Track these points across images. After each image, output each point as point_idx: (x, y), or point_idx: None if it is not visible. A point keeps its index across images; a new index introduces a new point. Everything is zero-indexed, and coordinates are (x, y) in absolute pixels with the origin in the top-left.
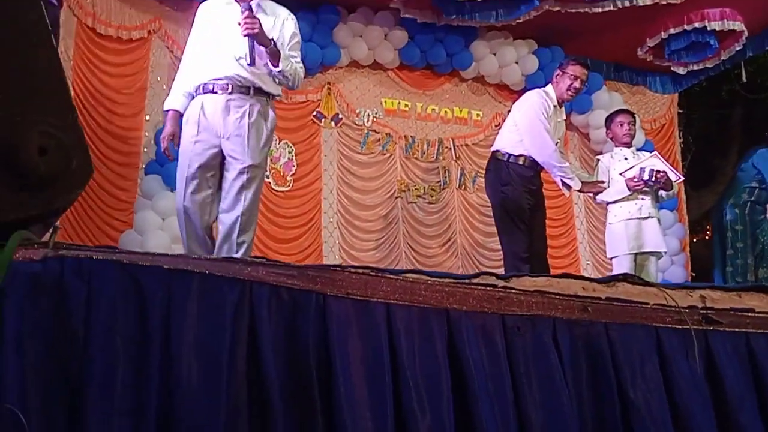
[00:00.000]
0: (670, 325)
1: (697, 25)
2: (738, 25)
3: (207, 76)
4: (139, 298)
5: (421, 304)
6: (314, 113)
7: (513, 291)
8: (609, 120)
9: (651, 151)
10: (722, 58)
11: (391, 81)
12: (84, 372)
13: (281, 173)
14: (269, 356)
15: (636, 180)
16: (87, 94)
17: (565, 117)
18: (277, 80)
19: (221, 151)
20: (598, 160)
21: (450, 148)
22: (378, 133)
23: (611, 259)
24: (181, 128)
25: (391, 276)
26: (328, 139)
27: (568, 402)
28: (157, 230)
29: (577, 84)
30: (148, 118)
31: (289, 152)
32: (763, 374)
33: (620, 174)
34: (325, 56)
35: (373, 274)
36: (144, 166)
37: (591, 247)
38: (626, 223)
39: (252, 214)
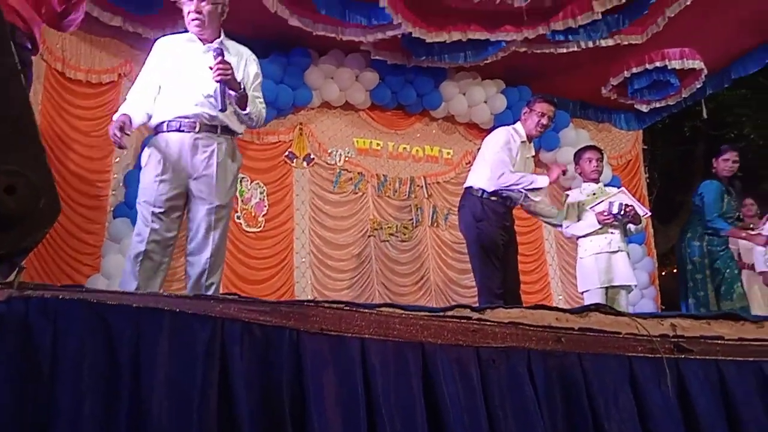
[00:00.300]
0: (642, 354)
1: (658, 64)
2: (697, 64)
3: (171, 114)
4: (107, 337)
5: (395, 338)
6: (286, 153)
7: (487, 323)
8: (578, 156)
9: (618, 187)
10: (683, 95)
11: (363, 121)
12: (51, 409)
13: (252, 214)
14: (241, 393)
15: (606, 214)
16: (55, 137)
17: (534, 153)
18: (241, 120)
19: (187, 192)
20: (567, 195)
21: (422, 186)
22: (350, 172)
23: (582, 293)
24: (144, 168)
25: (365, 310)
26: (300, 179)
27: None
28: None
29: (544, 120)
30: (117, 160)
31: (261, 193)
32: (733, 401)
33: (590, 208)
34: (296, 97)
35: (347, 308)
36: (112, 209)
37: (563, 281)
38: (596, 257)
39: (220, 255)
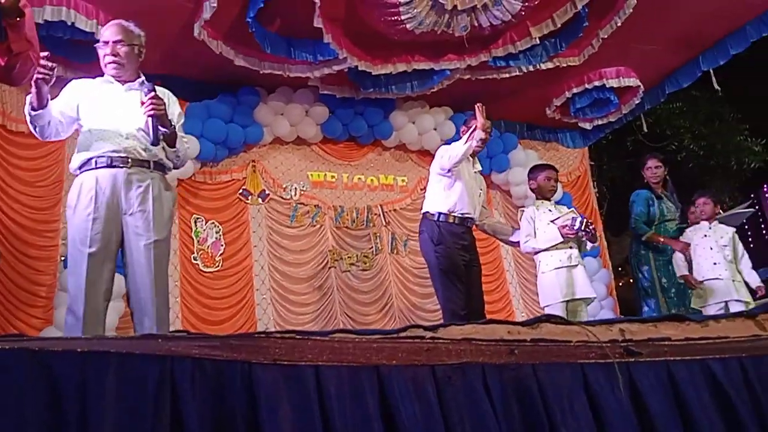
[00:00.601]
0: (594, 361)
1: (596, 83)
2: (633, 81)
3: (100, 149)
4: (51, 387)
5: (350, 363)
6: (240, 191)
7: (440, 341)
8: (535, 174)
9: (569, 204)
10: (623, 111)
11: (316, 154)
12: None
13: (209, 254)
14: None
15: (568, 228)
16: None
17: (480, 168)
18: (168, 158)
19: (122, 229)
20: (523, 210)
21: (379, 215)
22: (306, 205)
23: (544, 308)
24: (74, 208)
25: (318, 338)
26: (256, 216)
27: None
28: None
29: (484, 135)
30: (64, 209)
31: (217, 232)
32: (685, 400)
33: (551, 222)
34: (247, 135)
35: (299, 337)
36: (63, 259)
37: (523, 298)
38: (557, 271)
39: (164, 293)
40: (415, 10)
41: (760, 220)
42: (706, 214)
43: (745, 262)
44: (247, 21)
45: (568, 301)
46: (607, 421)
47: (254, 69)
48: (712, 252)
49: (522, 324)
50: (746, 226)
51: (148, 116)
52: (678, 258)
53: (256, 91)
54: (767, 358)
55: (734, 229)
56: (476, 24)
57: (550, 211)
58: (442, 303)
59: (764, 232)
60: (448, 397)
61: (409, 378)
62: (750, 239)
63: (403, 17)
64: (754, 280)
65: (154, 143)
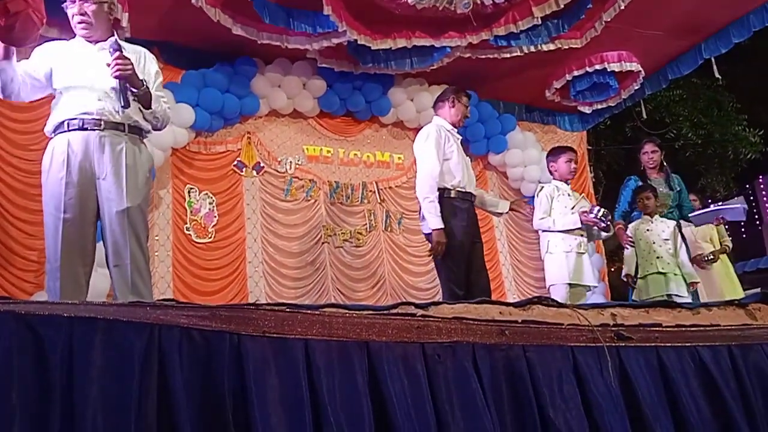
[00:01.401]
0: (584, 344)
1: (597, 67)
2: (635, 66)
3: (71, 112)
4: (38, 351)
5: (340, 338)
6: (235, 163)
7: (431, 319)
8: (556, 155)
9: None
10: (623, 96)
11: (312, 128)
12: None
13: (202, 225)
14: (182, 401)
15: (590, 216)
16: None
17: (460, 137)
18: (146, 119)
19: (96, 195)
20: (542, 187)
21: (374, 192)
22: (301, 179)
23: (550, 287)
24: (47, 173)
25: (308, 311)
26: (250, 188)
27: (490, 426)
28: None
29: (467, 113)
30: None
31: (210, 203)
32: (674, 386)
33: (572, 210)
34: (243, 106)
35: (289, 310)
36: None
37: (516, 280)
38: (567, 255)
39: (142, 263)
40: None
41: (754, 211)
42: (649, 208)
43: (683, 255)
44: None
45: (573, 285)
46: (595, 403)
47: (252, 39)
48: (654, 246)
49: (514, 305)
50: None
51: (115, 78)
52: (627, 255)
53: (254, 61)
54: (756, 346)
55: (675, 222)
56: (479, 1)
57: (568, 195)
58: (442, 282)
59: (758, 223)
60: (438, 375)
61: (399, 355)
62: (743, 230)
63: None
64: (690, 274)
65: (125, 106)
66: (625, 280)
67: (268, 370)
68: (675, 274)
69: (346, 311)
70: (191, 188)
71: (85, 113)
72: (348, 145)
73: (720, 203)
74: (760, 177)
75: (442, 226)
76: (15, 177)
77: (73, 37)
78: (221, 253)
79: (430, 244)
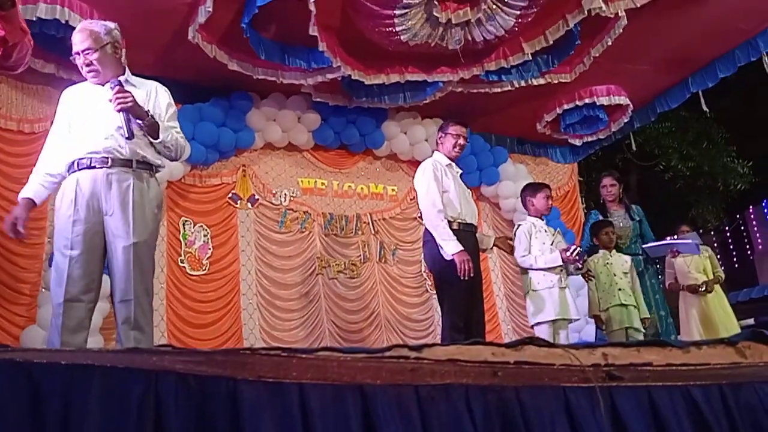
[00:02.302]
0: (576, 384)
1: (587, 100)
2: (623, 100)
3: (81, 152)
4: (35, 400)
5: (334, 382)
6: (230, 195)
7: (425, 361)
8: (532, 192)
9: (556, 219)
10: (612, 129)
11: (307, 161)
12: None
13: (196, 257)
14: None
15: (569, 254)
16: None
17: (460, 172)
18: (158, 151)
19: (104, 231)
20: (519, 225)
21: (368, 223)
22: (296, 211)
23: (533, 325)
24: (57, 211)
25: (303, 355)
26: (245, 220)
27: None
28: None
29: (461, 141)
30: (51, 207)
31: (205, 235)
32: (666, 426)
33: (551, 247)
34: (239, 140)
35: (284, 354)
36: (48, 257)
37: (510, 312)
38: (550, 291)
39: (146, 300)
40: (410, 22)
41: (745, 241)
42: (608, 242)
43: (638, 290)
44: (242, 26)
45: (556, 320)
46: None
47: (248, 74)
48: (615, 278)
49: (506, 345)
50: (731, 247)
51: (117, 111)
52: (590, 296)
53: (249, 96)
54: (747, 385)
55: (631, 258)
56: (470, 38)
57: (545, 231)
58: (444, 312)
59: (749, 252)
60: (432, 417)
61: (393, 397)
62: (735, 260)
63: (397, 28)
64: (644, 310)
65: (129, 137)
66: (593, 320)
67: (263, 414)
68: (634, 307)
69: (341, 354)
70: (186, 221)
71: (92, 152)
72: (342, 177)
73: (675, 237)
74: (750, 207)
75: (461, 248)
76: (8, 210)
77: (63, 75)
78: (215, 285)
79: (432, 274)
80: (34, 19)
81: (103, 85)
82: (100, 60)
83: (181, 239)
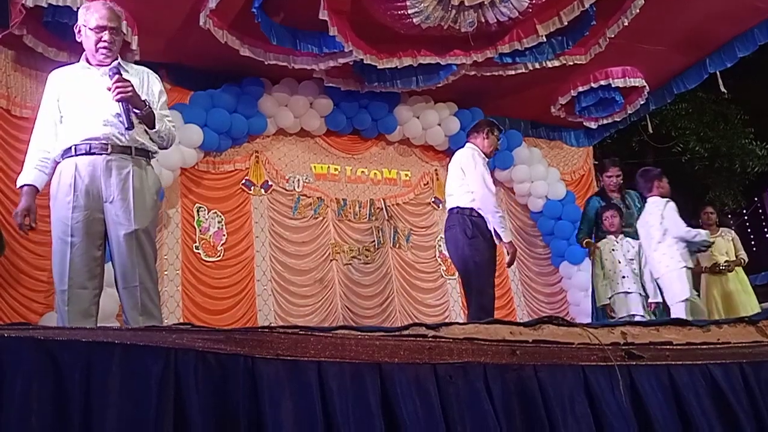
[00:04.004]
0: (595, 363)
1: (602, 82)
2: (639, 81)
3: (77, 137)
4: (56, 376)
5: (352, 360)
6: (243, 181)
7: (443, 340)
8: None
9: (573, 201)
10: (628, 111)
11: (320, 147)
12: None
13: (211, 243)
14: (197, 425)
15: None
16: (2, 174)
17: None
18: (152, 140)
19: (104, 218)
20: (667, 202)
21: (382, 208)
22: (309, 197)
23: (675, 303)
24: (55, 197)
25: (321, 333)
26: (258, 206)
27: None
28: None
29: (498, 145)
30: None
31: (219, 222)
32: (685, 404)
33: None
34: (251, 126)
35: (302, 332)
36: None
37: (525, 296)
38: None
39: (151, 284)
40: (422, 5)
41: (763, 223)
42: (614, 227)
43: (646, 275)
44: (253, 11)
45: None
46: (607, 423)
47: (259, 60)
48: (620, 265)
49: (524, 324)
50: (749, 230)
51: (117, 101)
52: (599, 286)
53: (261, 81)
54: (767, 363)
55: (639, 242)
56: (483, 20)
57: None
58: (473, 295)
59: (767, 235)
60: (450, 395)
61: (411, 376)
62: (753, 243)
63: (409, 11)
64: (651, 293)
65: (129, 127)
66: (604, 309)
67: (281, 392)
68: (640, 294)
69: (359, 333)
70: (200, 207)
71: (91, 138)
72: (355, 162)
73: (700, 220)
74: None
75: (508, 239)
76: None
77: (76, 62)
78: (230, 272)
79: (459, 257)
80: (45, 5)
81: (96, 68)
82: (117, 43)
83: (196, 226)
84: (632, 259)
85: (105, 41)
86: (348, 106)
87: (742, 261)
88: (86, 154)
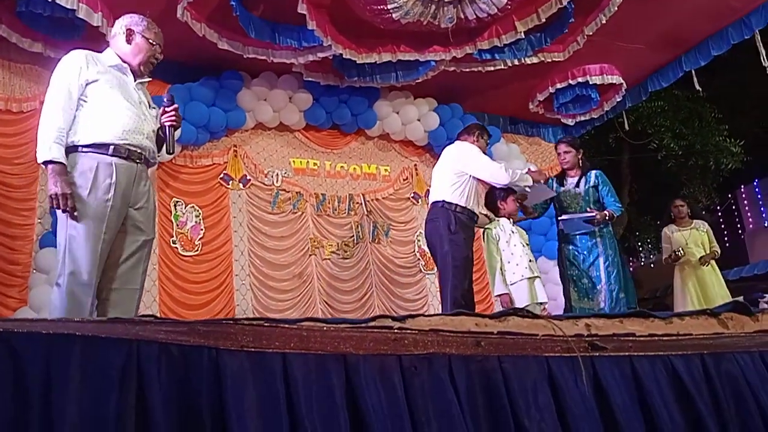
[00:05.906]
0: (559, 354)
1: (580, 79)
2: (616, 79)
3: (116, 138)
4: (16, 369)
5: (317, 351)
6: (221, 176)
7: (408, 331)
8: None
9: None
10: (605, 108)
11: (299, 141)
12: None
13: (189, 238)
14: (160, 417)
15: None
16: None
17: None
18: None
19: (124, 222)
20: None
21: (361, 203)
22: (288, 192)
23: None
24: (88, 189)
25: (286, 325)
26: (237, 201)
27: None
28: None
29: (486, 150)
30: (42, 187)
31: (197, 216)
32: (647, 395)
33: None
34: (229, 120)
35: (267, 324)
36: (39, 238)
37: None
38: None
39: (142, 289)
40: (402, 0)
41: (737, 220)
42: (507, 211)
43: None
44: (231, 4)
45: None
46: (570, 413)
47: (238, 53)
48: (524, 249)
49: (489, 316)
50: (722, 226)
51: (168, 126)
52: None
53: (240, 75)
54: (728, 355)
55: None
56: (462, 16)
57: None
58: (448, 290)
59: (740, 232)
60: (414, 386)
61: (376, 367)
62: (726, 239)
63: (389, 6)
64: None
65: (170, 152)
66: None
67: (245, 383)
68: (536, 279)
69: (324, 325)
70: (177, 201)
71: (132, 145)
72: (334, 157)
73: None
74: (742, 186)
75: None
76: None
77: (99, 51)
78: (208, 266)
79: (437, 250)
80: None
81: (134, 75)
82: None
83: (173, 220)
84: (528, 244)
85: (156, 58)
86: (327, 101)
87: (716, 254)
88: (125, 158)
